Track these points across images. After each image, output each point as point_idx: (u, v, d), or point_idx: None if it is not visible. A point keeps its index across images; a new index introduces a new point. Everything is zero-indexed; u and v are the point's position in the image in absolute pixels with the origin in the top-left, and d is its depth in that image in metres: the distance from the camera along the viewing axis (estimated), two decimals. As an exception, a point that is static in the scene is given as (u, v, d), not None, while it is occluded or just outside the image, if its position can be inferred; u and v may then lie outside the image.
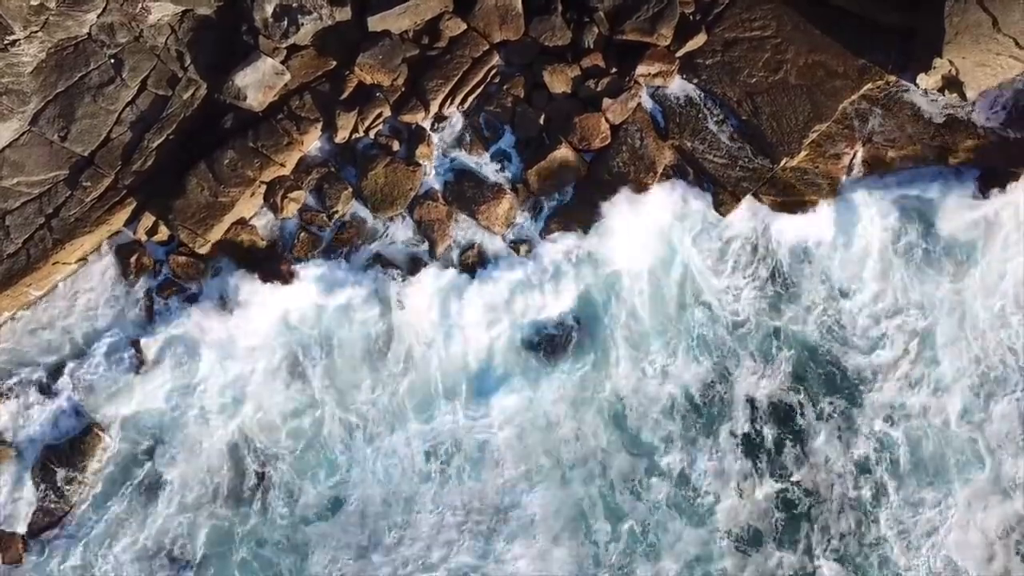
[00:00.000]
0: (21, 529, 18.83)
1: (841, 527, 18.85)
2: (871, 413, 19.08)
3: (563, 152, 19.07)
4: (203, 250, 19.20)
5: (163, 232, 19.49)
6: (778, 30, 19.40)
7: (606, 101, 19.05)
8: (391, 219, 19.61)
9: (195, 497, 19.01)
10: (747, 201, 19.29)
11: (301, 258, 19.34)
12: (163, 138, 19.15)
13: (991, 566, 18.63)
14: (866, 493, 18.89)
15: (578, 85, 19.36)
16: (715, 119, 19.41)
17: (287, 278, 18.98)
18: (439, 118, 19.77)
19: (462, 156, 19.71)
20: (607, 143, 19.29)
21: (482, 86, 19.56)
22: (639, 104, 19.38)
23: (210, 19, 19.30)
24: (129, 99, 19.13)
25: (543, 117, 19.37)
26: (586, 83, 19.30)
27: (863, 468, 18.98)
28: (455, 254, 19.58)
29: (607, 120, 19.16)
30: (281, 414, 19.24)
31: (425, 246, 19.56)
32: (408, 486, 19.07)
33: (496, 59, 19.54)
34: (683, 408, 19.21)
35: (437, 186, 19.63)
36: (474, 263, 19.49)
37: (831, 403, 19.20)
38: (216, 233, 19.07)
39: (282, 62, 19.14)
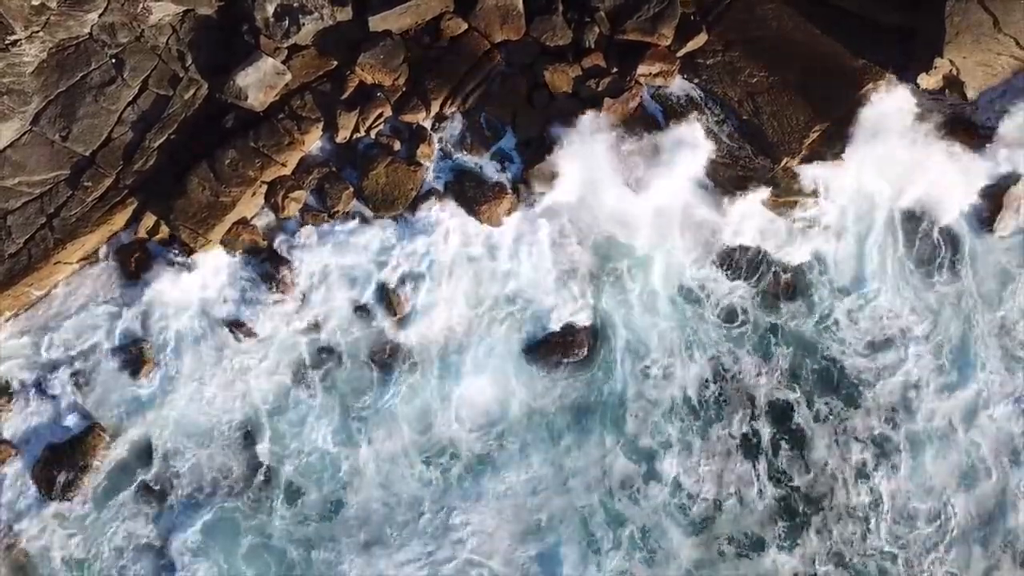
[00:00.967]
0: (23, 527, 18.83)
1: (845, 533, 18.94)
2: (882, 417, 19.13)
3: (563, 152, 19.13)
4: (203, 250, 19.18)
5: (164, 231, 19.43)
6: (779, 30, 19.41)
7: (607, 101, 19.07)
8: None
9: (201, 492, 19.06)
10: (747, 200, 19.25)
11: None
12: (164, 138, 19.14)
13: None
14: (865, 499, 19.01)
15: (579, 85, 19.36)
16: (716, 119, 19.43)
17: None
18: (440, 118, 19.77)
19: (463, 156, 19.73)
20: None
21: (483, 86, 19.56)
22: (640, 104, 19.41)
23: (211, 19, 19.29)
24: (130, 99, 19.11)
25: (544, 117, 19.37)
26: (587, 83, 19.31)
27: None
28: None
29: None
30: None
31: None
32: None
33: (497, 59, 19.53)
34: (683, 410, 19.29)
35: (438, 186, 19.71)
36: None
37: (826, 403, 19.26)
38: (217, 233, 19.06)
39: (283, 62, 19.14)
